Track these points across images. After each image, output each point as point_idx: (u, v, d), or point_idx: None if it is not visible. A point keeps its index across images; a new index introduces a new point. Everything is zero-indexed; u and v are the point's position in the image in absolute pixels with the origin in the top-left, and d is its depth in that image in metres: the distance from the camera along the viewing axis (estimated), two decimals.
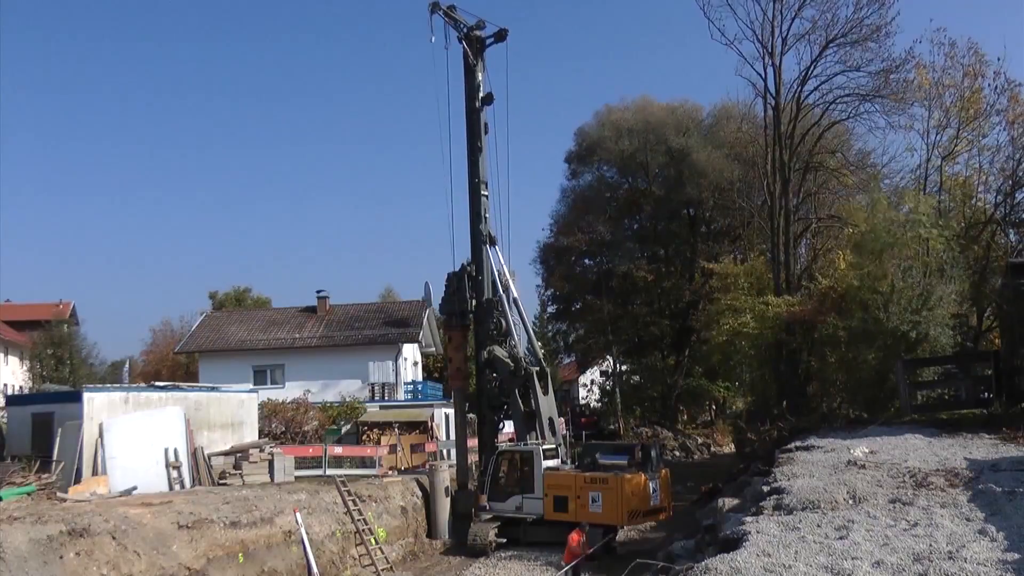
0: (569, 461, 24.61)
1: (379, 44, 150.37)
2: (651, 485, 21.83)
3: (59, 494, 18.27)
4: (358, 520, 20.20)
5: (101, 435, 20.70)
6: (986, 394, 21.99)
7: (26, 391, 43.34)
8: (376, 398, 37.85)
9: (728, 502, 16.97)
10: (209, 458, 23.02)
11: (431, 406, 36.79)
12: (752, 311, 30.83)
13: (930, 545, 9.38)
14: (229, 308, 54.10)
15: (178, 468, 21.78)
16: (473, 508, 23.89)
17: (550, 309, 62.80)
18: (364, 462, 27.81)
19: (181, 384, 27.83)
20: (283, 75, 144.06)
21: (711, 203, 51.66)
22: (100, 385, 28.25)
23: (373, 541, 20.25)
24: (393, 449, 29.78)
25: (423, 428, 34.35)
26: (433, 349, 46.32)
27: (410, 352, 41.86)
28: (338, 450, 27.74)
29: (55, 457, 20.36)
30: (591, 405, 61.61)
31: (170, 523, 16.13)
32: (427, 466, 27.36)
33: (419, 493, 24.71)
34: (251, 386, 32.06)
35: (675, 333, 54.36)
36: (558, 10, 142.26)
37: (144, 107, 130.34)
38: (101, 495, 18.91)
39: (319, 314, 42.06)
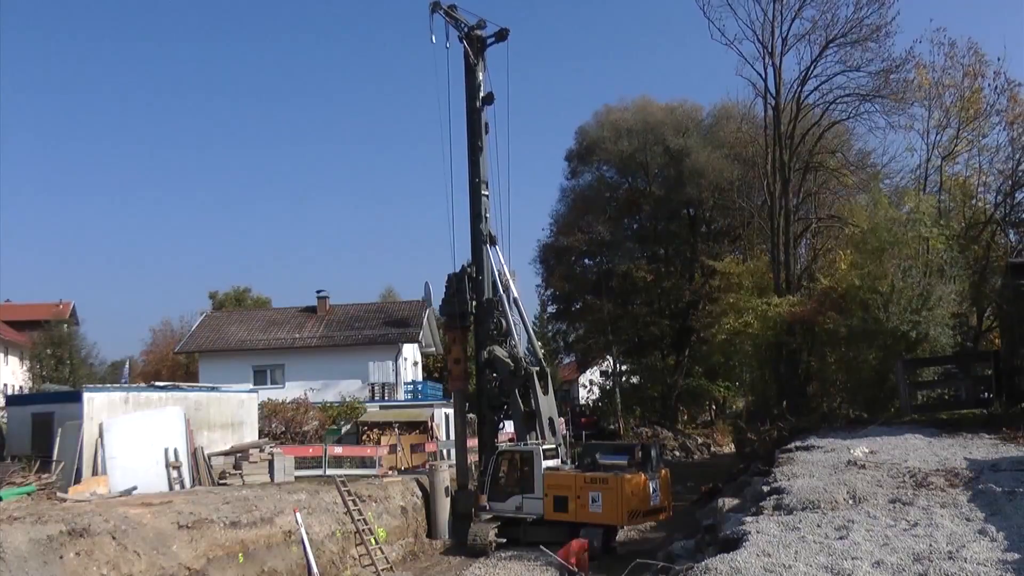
0: (569, 461, 24.60)
1: (379, 44, 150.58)
2: (651, 485, 21.83)
3: (59, 494, 18.27)
4: (358, 520, 20.20)
5: (101, 435, 20.70)
6: (986, 394, 21.99)
7: (26, 391, 43.35)
8: (376, 398, 37.86)
9: (728, 502, 16.96)
10: (209, 458, 23.02)
11: (431, 406, 36.80)
12: (754, 311, 30.84)
13: (930, 545, 9.38)
14: (229, 308, 54.12)
15: (178, 468, 21.77)
16: (473, 508, 23.88)
17: (550, 309, 62.94)
18: (364, 462, 27.81)
19: (181, 384, 27.82)
20: (283, 75, 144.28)
21: (711, 203, 51.68)
22: (100, 385, 28.24)
23: (373, 541, 20.25)
24: (393, 449, 29.79)
25: (423, 428, 34.36)
26: (433, 349, 46.33)
27: (410, 352, 41.87)
28: (338, 450, 27.74)
29: (55, 457, 20.35)
30: (590, 405, 61.61)
31: (170, 523, 16.13)
32: (427, 466, 27.36)
33: (419, 493, 24.71)
34: (251, 386, 32.05)
35: (675, 333, 54.37)
36: (558, 10, 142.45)
37: (144, 107, 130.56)
38: (101, 495, 18.90)
39: (319, 314, 42.07)
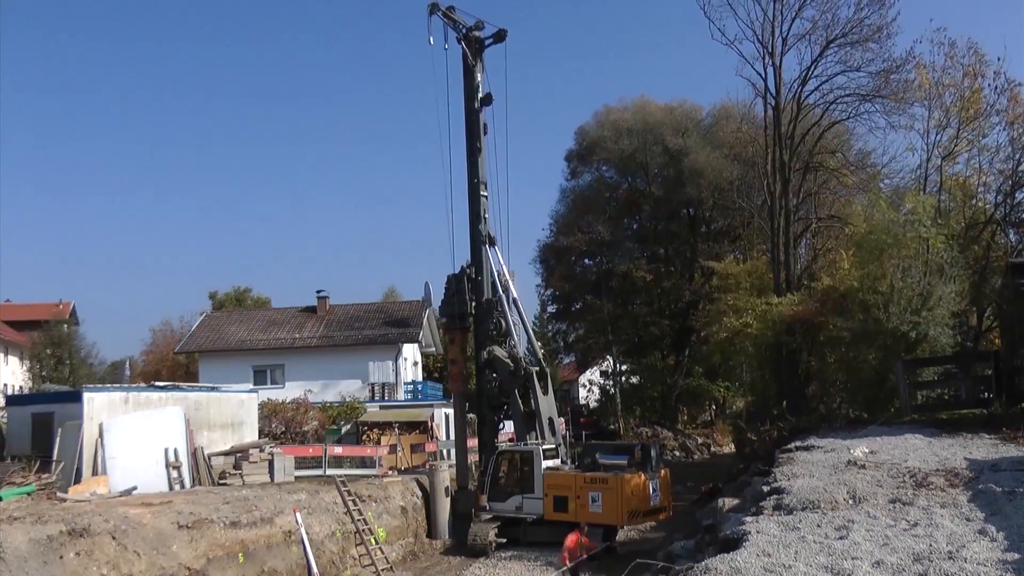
0: (569, 461, 24.60)
1: (379, 44, 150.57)
2: (651, 485, 21.83)
3: (59, 494, 18.28)
4: (358, 520, 20.20)
5: (101, 435, 20.71)
6: (986, 394, 21.98)
7: (26, 391, 43.34)
8: (376, 398, 37.86)
9: (728, 502, 16.96)
10: (209, 458, 23.02)
11: (431, 406, 36.80)
12: (754, 310, 30.83)
13: (930, 545, 9.38)
14: (229, 308, 54.10)
15: (178, 468, 21.78)
16: (473, 508, 23.89)
17: (550, 309, 62.99)
18: (364, 462, 27.82)
19: (181, 384, 27.83)
20: (283, 75, 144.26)
21: (711, 203, 51.72)
22: (100, 385, 28.25)
23: (373, 541, 20.25)
24: (393, 449, 29.79)
25: (423, 428, 34.36)
26: (433, 349, 46.33)
27: (410, 352, 41.87)
28: (338, 450, 27.75)
29: (55, 457, 20.37)
30: (589, 405, 61.64)
31: (170, 523, 16.13)
32: (427, 466, 27.37)
33: (419, 493, 24.71)
34: (251, 386, 32.06)
35: (675, 333, 54.39)
36: (558, 10, 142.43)
37: (144, 107, 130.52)
38: (101, 495, 18.91)
39: (319, 314, 42.07)
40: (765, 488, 14.31)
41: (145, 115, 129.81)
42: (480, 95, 26.58)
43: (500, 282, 26.42)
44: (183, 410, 22.88)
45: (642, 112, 54.25)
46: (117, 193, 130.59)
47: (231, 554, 17.00)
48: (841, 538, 9.99)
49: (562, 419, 30.13)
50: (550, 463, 23.28)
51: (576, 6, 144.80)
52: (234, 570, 16.90)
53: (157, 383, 26.97)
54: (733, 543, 10.59)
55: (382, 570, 19.48)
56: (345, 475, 23.20)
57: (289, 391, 36.07)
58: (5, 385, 48.76)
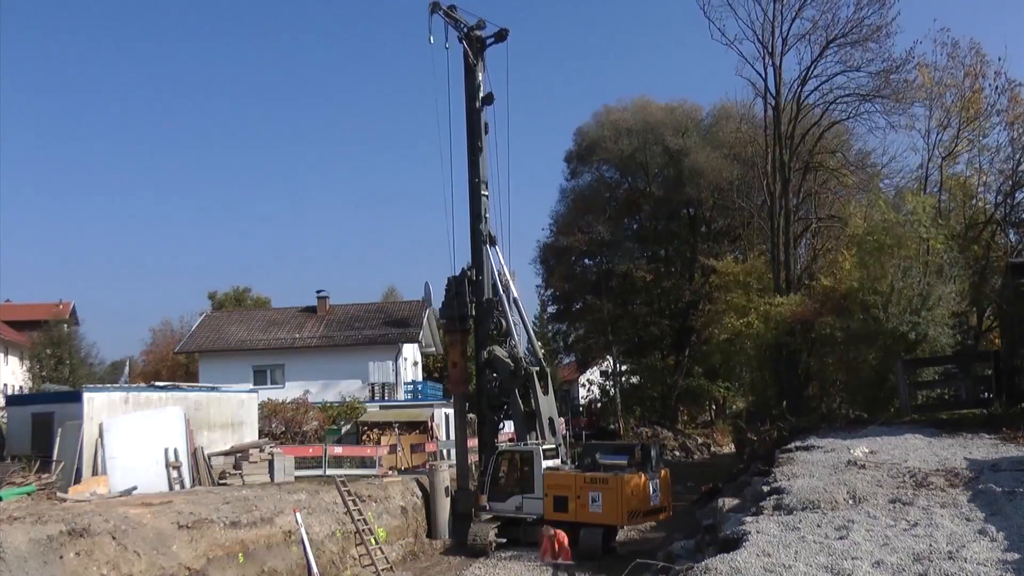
0: (569, 461, 24.61)
1: (379, 44, 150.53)
2: (651, 485, 21.83)
3: (59, 494, 18.28)
4: (358, 520, 20.20)
5: (101, 435, 20.70)
6: (986, 394, 21.98)
7: (26, 391, 43.34)
8: (376, 398, 37.86)
9: (728, 502, 16.95)
10: (209, 458, 23.02)
11: (431, 406, 36.80)
12: (756, 311, 30.82)
13: (930, 545, 9.38)
14: (229, 308, 54.11)
15: (178, 468, 21.78)
16: (473, 508, 23.89)
17: (550, 309, 62.98)
18: (364, 462, 27.81)
19: (181, 384, 27.83)
20: (283, 75, 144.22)
21: (711, 203, 51.73)
22: (100, 385, 28.25)
23: (373, 541, 20.25)
24: (393, 449, 29.78)
25: (423, 428, 34.36)
26: (433, 349, 46.33)
27: (410, 352, 41.87)
28: (338, 450, 27.75)
29: (55, 457, 20.36)
30: (586, 407, 61.63)
31: (170, 523, 16.13)
32: (427, 466, 27.37)
33: (419, 493, 24.71)
34: (251, 386, 32.08)
35: (675, 333, 54.39)
36: (558, 10, 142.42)
37: (144, 107, 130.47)
38: (101, 495, 18.91)
39: (319, 314, 42.07)
40: (765, 488, 14.32)
41: (145, 115, 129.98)
42: (481, 94, 26.56)
43: (500, 282, 26.40)
44: (183, 410, 22.88)
45: (642, 112, 54.26)
46: (117, 193, 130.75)
47: (231, 554, 17.00)
48: (841, 538, 9.99)
49: (562, 419, 30.12)
50: (550, 463, 23.28)
51: (576, 6, 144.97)
52: (234, 570, 16.90)
53: (157, 383, 26.97)
54: (733, 543, 10.59)
55: (382, 570, 19.48)
56: (345, 475, 23.19)
57: (289, 391, 36.07)
58: (5, 385, 48.75)
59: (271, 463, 23.67)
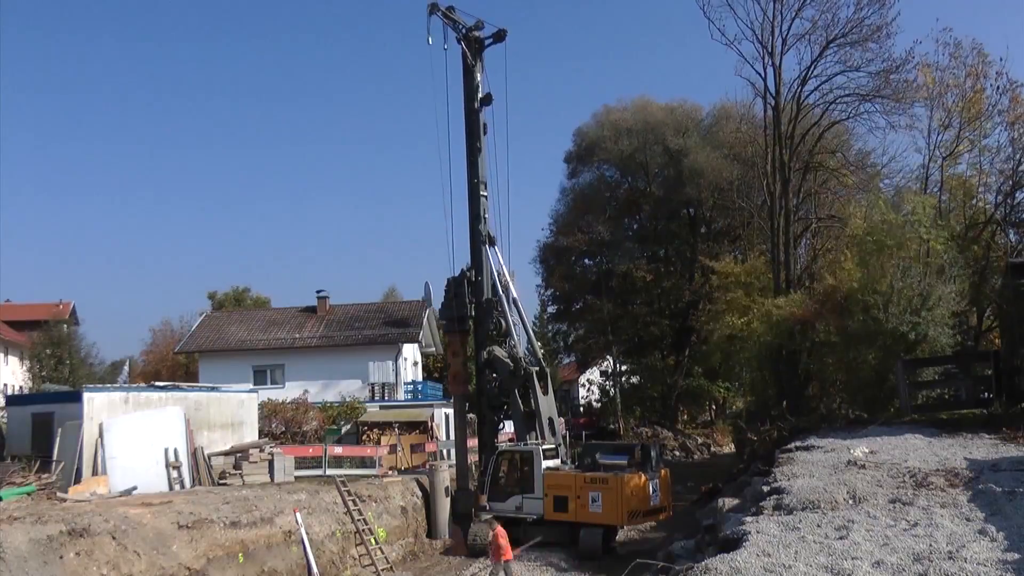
0: (569, 461, 24.61)
1: (379, 44, 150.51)
2: (651, 485, 21.82)
3: (59, 494, 18.28)
4: (358, 520, 20.20)
5: (101, 435, 20.70)
6: (986, 394, 21.99)
7: (26, 391, 43.34)
8: (376, 398, 37.86)
9: (728, 502, 16.97)
10: (209, 458, 23.02)
11: (431, 406, 36.79)
12: (756, 311, 30.81)
13: (930, 545, 9.39)
14: (229, 308, 54.10)
15: (178, 468, 21.78)
16: (473, 508, 23.89)
17: (550, 309, 62.99)
18: (364, 462, 27.81)
19: (181, 384, 27.83)
20: (283, 75, 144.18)
21: (711, 203, 51.73)
22: (100, 385, 28.25)
23: (373, 541, 20.25)
24: (393, 449, 29.78)
25: (423, 428, 34.35)
26: (433, 349, 46.34)
27: (410, 352, 41.87)
28: (338, 450, 27.75)
29: (55, 457, 20.36)
30: (585, 407, 61.64)
31: (170, 523, 16.13)
32: (427, 466, 27.37)
33: (419, 493, 24.71)
34: (251, 386, 32.06)
35: (675, 333, 54.39)
36: (558, 10, 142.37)
37: (144, 107, 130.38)
38: (101, 495, 18.91)
39: (319, 314, 42.07)
40: (765, 488, 14.33)
41: (145, 115, 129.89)
42: (480, 95, 26.56)
43: (500, 282, 26.40)
44: (183, 410, 22.88)
45: (642, 112, 54.26)
46: (117, 193, 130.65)
47: (231, 554, 17.00)
48: (841, 538, 10.00)
49: (562, 419, 30.12)
50: (550, 463, 23.27)
51: (576, 6, 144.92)
52: (234, 570, 16.90)
53: (157, 383, 26.97)
54: (733, 543, 10.60)
55: (382, 570, 19.48)
56: (345, 475, 23.20)
57: (289, 391, 36.07)
58: (5, 385, 48.76)
59: (271, 463, 23.67)
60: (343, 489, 20.70)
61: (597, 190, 56.67)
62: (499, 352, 25.43)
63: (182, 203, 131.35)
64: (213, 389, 26.10)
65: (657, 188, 54.38)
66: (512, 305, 26.31)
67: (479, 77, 26.61)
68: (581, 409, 60.11)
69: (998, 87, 29.39)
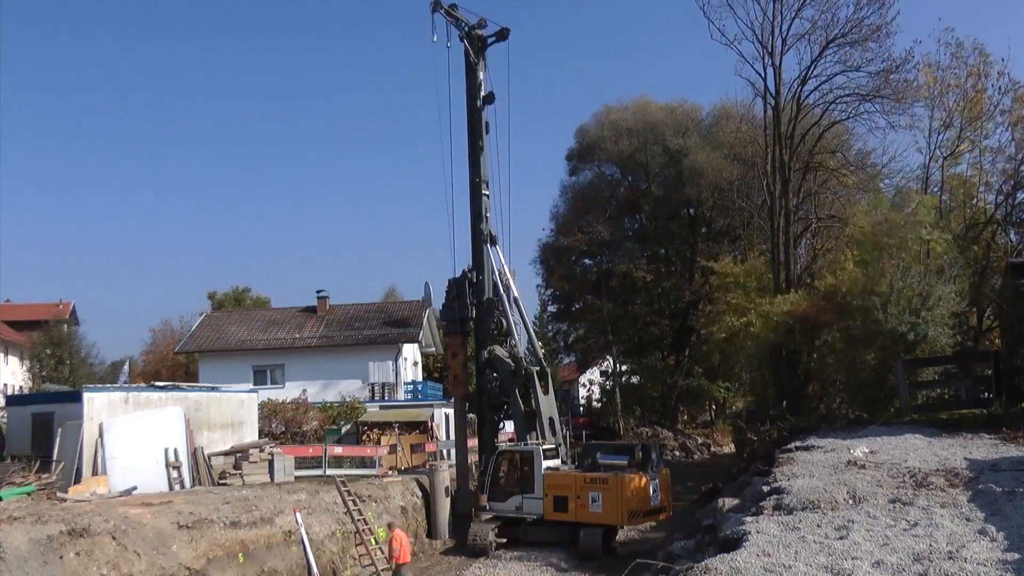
0: (569, 461, 24.61)
1: (379, 44, 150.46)
2: (651, 485, 21.83)
3: (59, 494, 18.27)
4: (358, 520, 20.19)
5: (101, 435, 20.70)
6: (986, 394, 22.00)
7: (26, 391, 43.34)
8: (376, 398, 37.85)
9: (728, 502, 16.97)
10: (209, 458, 23.02)
11: (431, 406, 36.78)
12: (756, 310, 30.80)
13: (930, 545, 9.38)
14: (229, 308, 54.09)
15: (178, 468, 21.78)
16: (473, 508, 23.89)
17: (550, 309, 62.99)
18: (364, 462, 27.80)
19: (181, 384, 27.82)
20: (283, 75, 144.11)
21: (711, 203, 51.73)
22: (100, 385, 28.24)
23: (373, 541, 20.24)
24: (393, 449, 29.78)
25: (423, 428, 34.34)
26: (433, 349, 46.32)
27: (410, 352, 41.86)
28: (338, 450, 27.74)
29: (55, 457, 20.35)
30: (588, 407, 61.63)
31: (170, 523, 16.13)
32: (427, 466, 27.36)
33: (419, 493, 24.71)
34: (251, 386, 32.05)
35: (675, 333, 54.40)
36: (558, 10, 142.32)
37: (144, 107, 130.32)
38: (101, 495, 18.91)
39: (319, 314, 42.05)
40: (765, 488, 14.33)
41: (145, 115, 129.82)
42: (482, 94, 26.56)
43: (501, 281, 26.41)
44: (183, 410, 22.87)
45: (642, 112, 54.26)
46: (117, 193, 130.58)
47: (231, 554, 16.99)
48: (841, 538, 10.00)
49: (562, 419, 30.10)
50: (550, 463, 23.27)
51: (576, 6, 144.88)
52: (234, 570, 16.90)
53: (157, 383, 26.96)
54: (733, 543, 10.60)
55: (382, 570, 19.46)
56: (345, 475, 23.18)
57: (289, 391, 36.06)
58: (5, 385, 48.75)
59: (271, 463, 23.66)
60: (343, 489, 20.68)
61: (597, 189, 56.71)
62: (500, 351, 25.43)
63: (182, 203, 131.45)
64: (213, 389, 26.09)
65: (657, 188, 54.40)
66: (513, 304, 26.32)
67: (481, 75, 26.61)
68: (581, 409, 60.08)
69: (1000, 87, 29.46)
